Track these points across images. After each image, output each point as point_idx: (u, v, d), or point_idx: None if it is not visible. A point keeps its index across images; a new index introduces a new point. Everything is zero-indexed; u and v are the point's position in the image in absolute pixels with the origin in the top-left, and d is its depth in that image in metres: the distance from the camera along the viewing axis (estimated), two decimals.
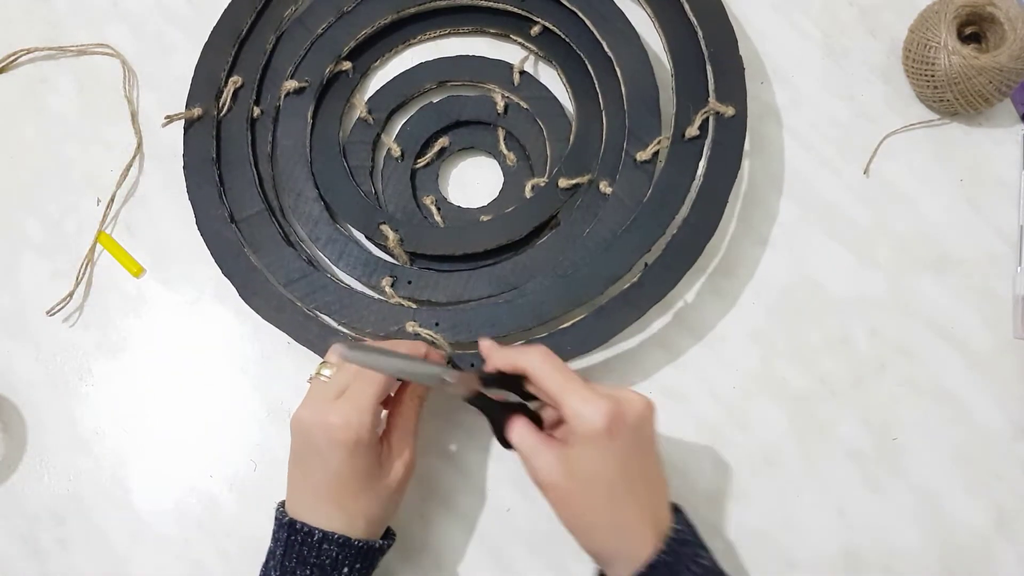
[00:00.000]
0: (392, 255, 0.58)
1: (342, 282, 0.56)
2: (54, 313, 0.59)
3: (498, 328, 0.53)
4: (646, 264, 0.53)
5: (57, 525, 0.55)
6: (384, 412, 0.49)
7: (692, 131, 0.55)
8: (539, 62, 0.63)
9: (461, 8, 0.63)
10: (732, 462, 0.53)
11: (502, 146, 0.61)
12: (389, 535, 0.49)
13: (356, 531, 0.45)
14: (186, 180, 0.58)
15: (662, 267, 0.53)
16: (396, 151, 0.60)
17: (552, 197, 0.57)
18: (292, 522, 0.45)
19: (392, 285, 0.55)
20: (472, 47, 0.63)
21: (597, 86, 0.59)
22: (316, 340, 0.54)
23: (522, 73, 0.61)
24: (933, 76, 0.57)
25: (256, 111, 0.60)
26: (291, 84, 0.60)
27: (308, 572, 0.45)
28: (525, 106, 0.61)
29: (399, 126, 0.62)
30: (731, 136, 0.54)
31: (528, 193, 0.59)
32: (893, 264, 0.56)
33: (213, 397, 0.57)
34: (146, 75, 0.64)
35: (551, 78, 0.62)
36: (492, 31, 0.63)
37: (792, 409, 0.54)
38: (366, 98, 0.62)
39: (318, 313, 0.55)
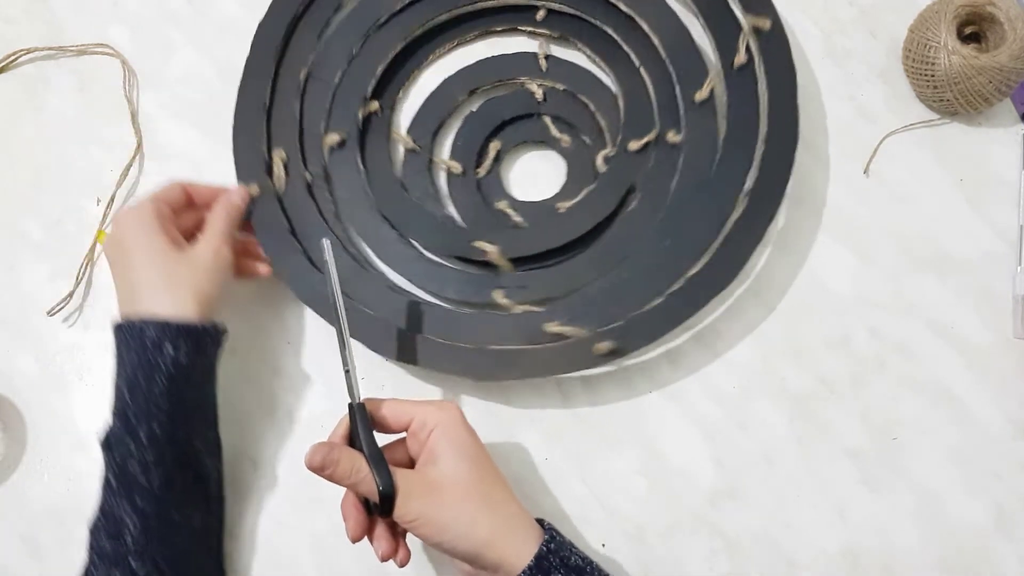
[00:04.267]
0: (493, 267, 0.56)
1: (455, 309, 0.55)
2: (54, 313, 0.59)
3: (625, 305, 0.52)
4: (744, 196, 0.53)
5: (57, 525, 0.55)
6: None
7: (740, 59, 0.55)
8: (558, 44, 0.63)
9: (462, 17, 0.62)
10: (732, 462, 0.53)
11: (553, 132, 0.60)
12: (219, 328, 0.50)
13: (178, 306, 0.48)
14: (271, 257, 0.56)
15: (759, 197, 0.54)
16: (456, 168, 0.60)
17: (626, 164, 0.57)
18: (117, 325, 0.48)
19: (506, 296, 0.55)
20: (484, 51, 0.63)
21: (625, 46, 0.59)
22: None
23: (547, 57, 0.61)
24: (933, 76, 0.57)
25: (308, 176, 0.58)
26: (331, 139, 0.59)
27: (136, 358, 0.46)
28: (562, 88, 0.61)
29: (448, 144, 0.61)
30: (777, 50, 0.55)
31: (601, 167, 0.58)
32: (893, 264, 0.56)
33: None
34: (146, 75, 0.64)
35: (575, 55, 0.62)
36: (498, 29, 0.63)
37: (792, 409, 0.54)
38: (404, 129, 0.61)
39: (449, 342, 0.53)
